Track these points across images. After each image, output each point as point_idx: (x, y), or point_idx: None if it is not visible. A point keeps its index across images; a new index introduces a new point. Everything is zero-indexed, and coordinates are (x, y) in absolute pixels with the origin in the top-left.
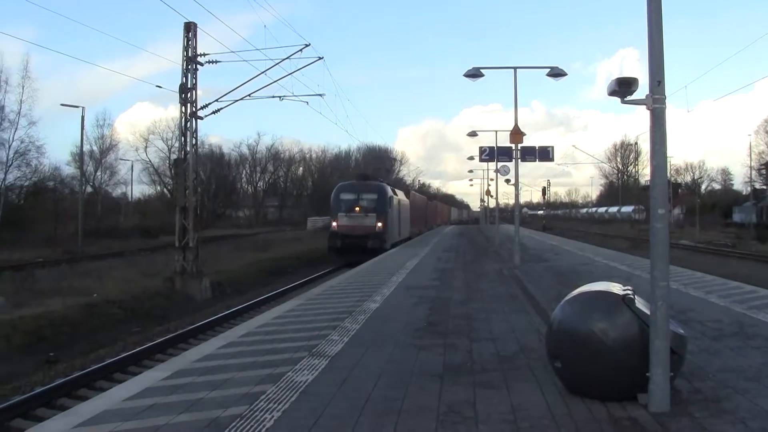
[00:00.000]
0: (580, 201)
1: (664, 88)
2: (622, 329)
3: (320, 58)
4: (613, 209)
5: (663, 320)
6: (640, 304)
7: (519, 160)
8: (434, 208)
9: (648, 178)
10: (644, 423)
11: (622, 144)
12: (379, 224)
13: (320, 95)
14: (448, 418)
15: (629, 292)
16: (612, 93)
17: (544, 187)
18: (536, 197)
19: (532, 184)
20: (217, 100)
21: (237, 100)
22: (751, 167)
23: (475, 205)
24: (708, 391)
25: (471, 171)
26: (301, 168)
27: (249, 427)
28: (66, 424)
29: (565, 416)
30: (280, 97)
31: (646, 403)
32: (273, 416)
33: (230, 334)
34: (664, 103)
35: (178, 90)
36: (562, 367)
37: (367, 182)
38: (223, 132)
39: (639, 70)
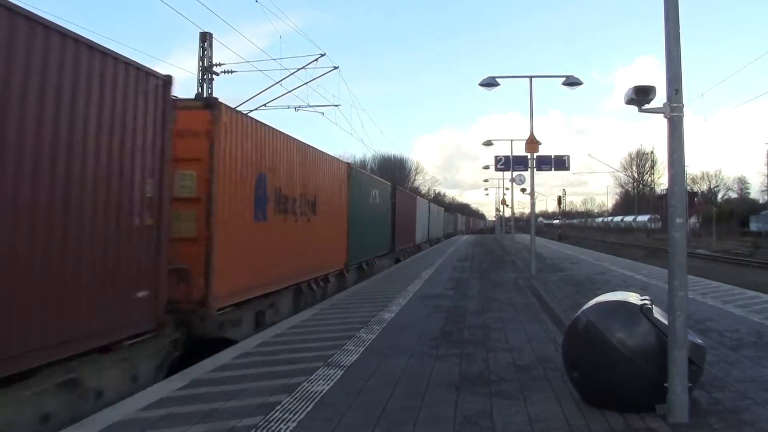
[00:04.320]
0: (596, 210)
1: (681, 97)
2: (640, 339)
3: (336, 68)
4: (629, 218)
5: (681, 330)
6: (657, 313)
7: (534, 170)
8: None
9: (664, 187)
10: None
11: (638, 153)
12: None
13: (336, 105)
14: (465, 429)
15: (647, 301)
16: (629, 101)
17: (560, 196)
18: (552, 206)
19: (547, 193)
20: None
21: (252, 110)
22: (767, 175)
23: (490, 215)
24: (727, 401)
25: (486, 180)
26: None
27: None
28: None
29: (582, 427)
30: (295, 107)
31: (665, 413)
32: (288, 426)
33: (245, 344)
34: (682, 112)
35: None
36: (580, 377)
37: None
38: None
39: (658, 78)
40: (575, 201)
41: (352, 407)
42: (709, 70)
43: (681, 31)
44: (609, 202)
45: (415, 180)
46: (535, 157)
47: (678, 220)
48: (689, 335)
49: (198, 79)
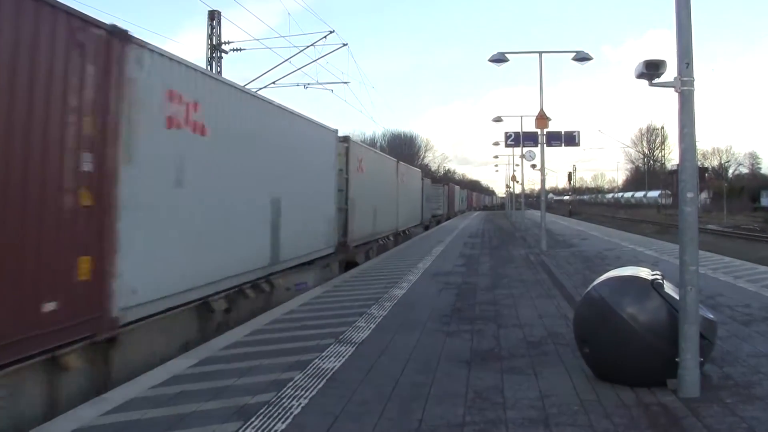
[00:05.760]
0: (606, 186)
1: (692, 71)
2: (652, 314)
3: (344, 45)
4: (639, 194)
5: (693, 305)
6: (669, 288)
7: (545, 146)
8: None
9: (674, 162)
10: (674, 409)
11: (649, 128)
12: None
13: (345, 83)
14: (476, 404)
15: (658, 276)
16: (640, 76)
17: (570, 172)
18: (562, 182)
19: (558, 169)
20: None
21: (261, 88)
22: None
23: (501, 191)
24: (738, 376)
25: (496, 156)
26: None
27: (276, 413)
28: (95, 411)
29: (593, 402)
30: (304, 84)
31: (676, 388)
32: (300, 403)
33: (256, 322)
34: (693, 86)
35: None
36: (591, 352)
37: None
38: None
39: (669, 52)
40: (585, 177)
41: (364, 384)
42: (722, 45)
43: (692, 4)
44: (619, 177)
45: (425, 157)
46: (545, 132)
47: (689, 195)
48: (700, 310)
49: (207, 58)
